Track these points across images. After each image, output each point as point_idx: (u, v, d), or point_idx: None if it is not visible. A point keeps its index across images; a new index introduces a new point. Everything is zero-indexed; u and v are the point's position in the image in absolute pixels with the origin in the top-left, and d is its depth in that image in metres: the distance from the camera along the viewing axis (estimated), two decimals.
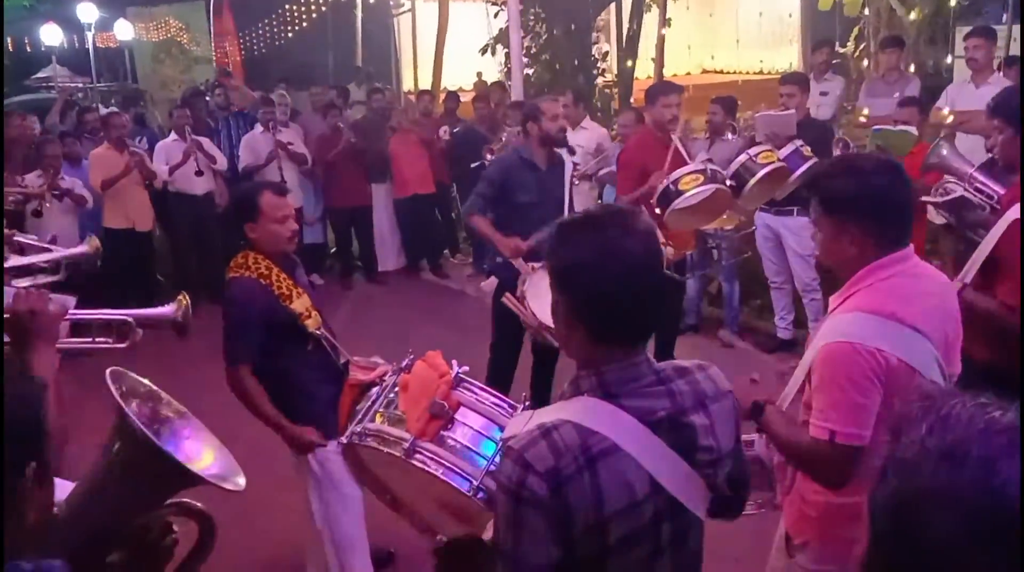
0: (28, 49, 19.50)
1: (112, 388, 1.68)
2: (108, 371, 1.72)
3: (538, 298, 4.17)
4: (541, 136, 4.68)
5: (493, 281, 4.72)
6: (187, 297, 2.70)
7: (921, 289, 2.20)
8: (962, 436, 0.90)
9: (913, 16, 10.13)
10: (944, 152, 4.08)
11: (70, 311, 2.25)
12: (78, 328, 2.44)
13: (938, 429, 0.92)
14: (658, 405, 1.59)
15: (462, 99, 9.83)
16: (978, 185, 3.77)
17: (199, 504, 1.82)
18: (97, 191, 7.17)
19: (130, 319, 2.50)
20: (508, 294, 4.34)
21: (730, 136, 5.94)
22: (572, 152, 4.72)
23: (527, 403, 2.25)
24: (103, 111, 8.54)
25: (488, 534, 1.72)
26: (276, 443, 3.41)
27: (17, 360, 2.09)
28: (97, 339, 2.47)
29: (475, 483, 2.14)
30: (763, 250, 6.15)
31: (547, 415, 1.61)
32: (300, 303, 3.31)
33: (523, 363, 4.96)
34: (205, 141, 8.01)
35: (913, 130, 5.23)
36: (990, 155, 3.72)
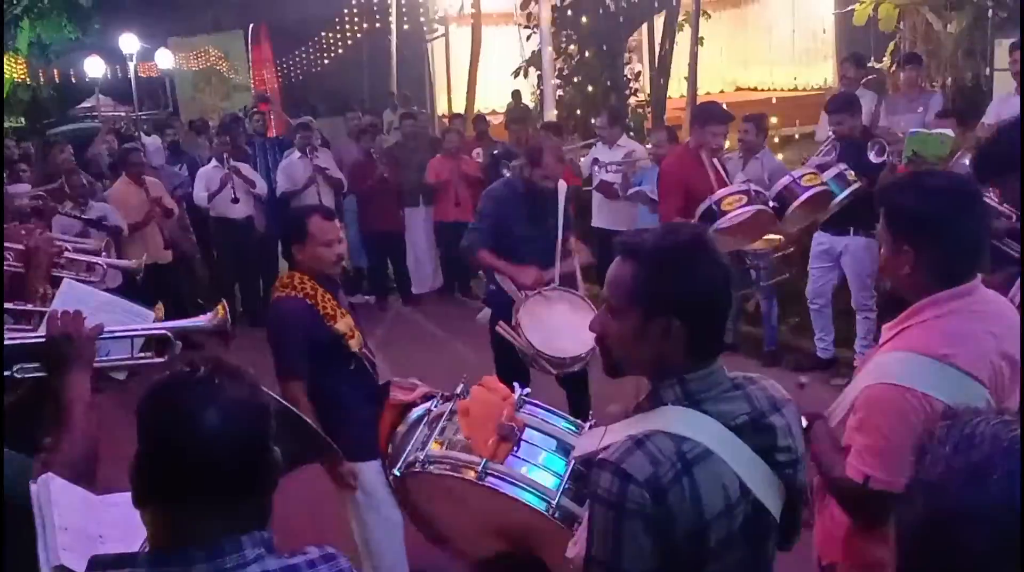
0: (73, 80, 20.04)
1: None
2: None
3: (534, 325, 4.11)
4: (541, 177, 4.48)
5: (487, 312, 4.57)
6: (226, 306, 2.59)
7: (979, 329, 2.02)
8: (987, 453, 0.89)
9: (951, 29, 9.96)
10: (966, 162, 4.03)
11: (106, 329, 2.15)
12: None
13: (963, 448, 0.91)
14: (739, 409, 1.64)
15: (495, 122, 9.86)
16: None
17: None
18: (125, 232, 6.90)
19: (168, 333, 2.38)
20: (501, 322, 4.24)
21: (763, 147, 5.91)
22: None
23: (593, 421, 2.24)
24: (126, 145, 8.56)
25: (573, 551, 1.70)
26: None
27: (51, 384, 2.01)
28: (136, 354, 2.36)
29: (552, 503, 2.15)
30: (813, 270, 6.00)
31: (629, 428, 1.62)
32: (344, 323, 3.35)
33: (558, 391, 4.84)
34: (244, 166, 8.13)
35: (950, 133, 5.09)
36: None
